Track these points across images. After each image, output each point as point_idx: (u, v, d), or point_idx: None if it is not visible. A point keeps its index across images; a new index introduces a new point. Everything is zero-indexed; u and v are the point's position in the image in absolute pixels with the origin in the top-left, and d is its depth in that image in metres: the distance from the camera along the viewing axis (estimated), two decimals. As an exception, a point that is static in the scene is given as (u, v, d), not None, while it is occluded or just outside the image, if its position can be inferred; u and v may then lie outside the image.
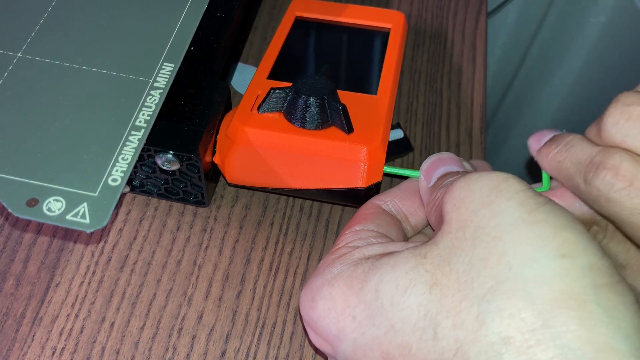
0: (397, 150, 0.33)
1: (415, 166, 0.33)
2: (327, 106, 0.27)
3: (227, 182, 0.30)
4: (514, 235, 0.17)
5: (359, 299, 0.20)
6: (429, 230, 0.26)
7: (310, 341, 0.23)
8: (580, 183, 0.21)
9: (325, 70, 0.32)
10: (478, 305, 0.17)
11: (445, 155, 0.25)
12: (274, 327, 0.27)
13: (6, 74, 0.27)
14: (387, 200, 0.25)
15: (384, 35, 0.34)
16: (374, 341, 0.19)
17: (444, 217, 0.20)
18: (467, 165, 0.25)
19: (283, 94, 0.28)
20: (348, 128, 0.27)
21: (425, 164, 0.25)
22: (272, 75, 0.31)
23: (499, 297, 0.17)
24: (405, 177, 0.31)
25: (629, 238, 0.22)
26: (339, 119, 0.27)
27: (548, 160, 0.23)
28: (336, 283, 0.20)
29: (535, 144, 0.25)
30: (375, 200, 0.25)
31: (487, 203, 0.18)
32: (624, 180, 0.19)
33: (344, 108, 0.27)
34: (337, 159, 0.27)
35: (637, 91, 0.21)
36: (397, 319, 0.18)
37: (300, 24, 0.35)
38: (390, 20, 0.35)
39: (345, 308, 0.20)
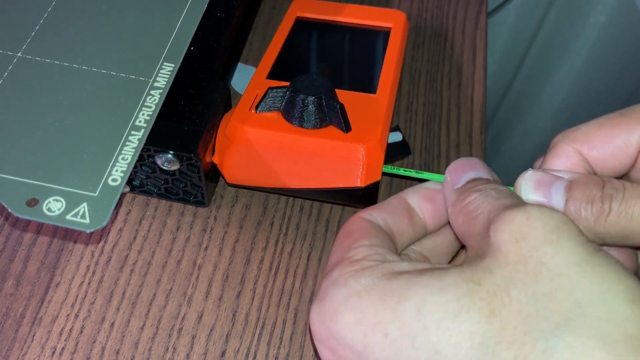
0: (395, 153, 0.33)
1: (416, 165, 0.33)
2: (324, 105, 0.27)
3: (226, 182, 0.30)
4: (580, 273, 0.18)
5: (394, 315, 0.19)
6: (412, 252, 0.25)
7: (316, 346, 0.22)
8: None
9: (322, 69, 0.32)
10: (545, 340, 0.17)
11: (473, 160, 0.25)
12: (274, 327, 0.27)
13: (6, 74, 0.27)
14: (379, 217, 0.24)
15: (385, 34, 0.34)
16: None
17: (499, 245, 0.19)
18: (494, 175, 0.25)
19: (281, 93, 0.28)
20: (346, 127, 0.27)
21: (453, 165, 0.25)
22: (272, 75, 0.31)
23: (569, 333, 0.17)
24: (404, 177, 0.31)
25: None
26: (336, 117, 0.27)
27: None
28: (367, 295, 0.19)
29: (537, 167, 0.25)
30: (368, 216, 0.24)
31: (550, 241, 0.18)
32: None
33: (342, 107, 0.27)
34: (335, 158, 0.27)
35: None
36: (445, 344, 0.18)
37: (300, 24, 0.35)
38: (391, 20, 0.35)
39: (377, 324, 0.19)
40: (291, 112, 0.27)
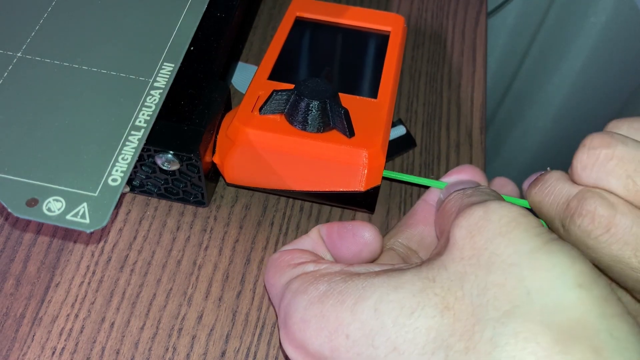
0: (401, 147, 0.33)
1: (416, 165, 0.33)
2: (329, 110, 0.27)
3: (225, 182, 0.30)
4: (532, 262, 0.18)
5: (353, 316, 0.19)
6: (399, 246, 0.26)
7: None
8: (560, 228, 0.21)
9: (326, 73, 0.32)
10: (492, 328, 0.17)
11: (470, 179, 0.26)
12: (274, 327, 0.27)
13: (6, 74, 0.27)
14: (297, 245, 0.25)
15: (384, 38, 0.34)
16: None
17: (456, 241, 0.20)
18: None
19: (285, 96, 0.28)
20: (350, 132, 0.27)
21: (451, 179, 0.26)
22: (273, 76, 0.31)
23: (514, 320, 0.17)
24: (404, 182, 0.31)
25: (614, 281, 0.22)
26: (340, 122, 0.27)
27: (531, 202, 0.23)
28: (327, 300, 0.20)
29: (526, 186, 0.26)
30: (289, 247, 0.25)
31: (504, 232, 0.19)
32: (601, 227, 0.19)
33: (346, 112, 0.27)
34: (338, 162, 0.27)
35: (603, 132, 0.21)
36: (402, 340, 0.18)
37: (300, 24, 0.35)
38: (390, 23, 0.35)
39: (338, 326, 0.19)
40: (295, 115, 0.27)
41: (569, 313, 0.17)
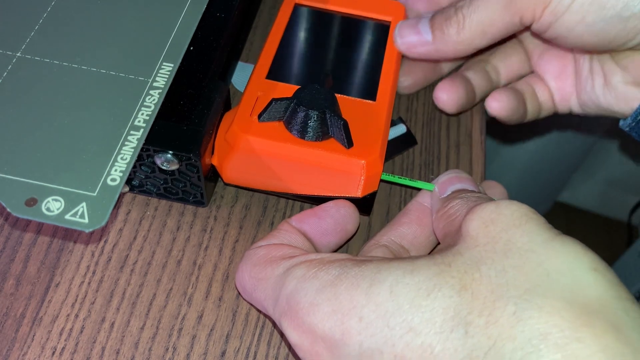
0: (402, 146, 0.33)
1: (416, 165, 0.33)
2: (327, 120, 0.27)
3: (224, 183, 0.30)
4: (548, 249, 0.19)
5: (368, 298, 0.19)
6: (391, 244, 0.26)
7: (297, 354, 0.22)
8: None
9: (325, 77, 0.32)
10: (515, 304, 0.18)
11: (462, 175, 0.27)
12: (274, 327, 0.27)
13: (5, 73, 0.27)
14: (276, 239, 0.25)
15: (384, 29, 0.34)
16: (385, 343, 0.19)
17: (469, 233, 0.20)
18: (481, 188, 0.27)
19: (284, 105, 0.28)
20: (348, 143, 0.27)
21: (442, 178, 0.27)
22: (271, 74, 0.31)
23: (537, 296, 0.18)
24: (404, 185, 0.31)
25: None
26: (339, 133, 0.27)
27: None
28: (340, 283, 0.20)
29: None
30: (271, 240, 0.25)
31: (518, 224, 0.20)
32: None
33: (345, 124, 0.27)
34: (335, 170, 0.27)
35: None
36: (419, 321, 0.18)
37: (299, 12, 0.34)
38: (391, 13, 0.34)
39: (352, 308, 0.19)
40: (294, 124, 0.27)
41: (587, 292, 0.18)
